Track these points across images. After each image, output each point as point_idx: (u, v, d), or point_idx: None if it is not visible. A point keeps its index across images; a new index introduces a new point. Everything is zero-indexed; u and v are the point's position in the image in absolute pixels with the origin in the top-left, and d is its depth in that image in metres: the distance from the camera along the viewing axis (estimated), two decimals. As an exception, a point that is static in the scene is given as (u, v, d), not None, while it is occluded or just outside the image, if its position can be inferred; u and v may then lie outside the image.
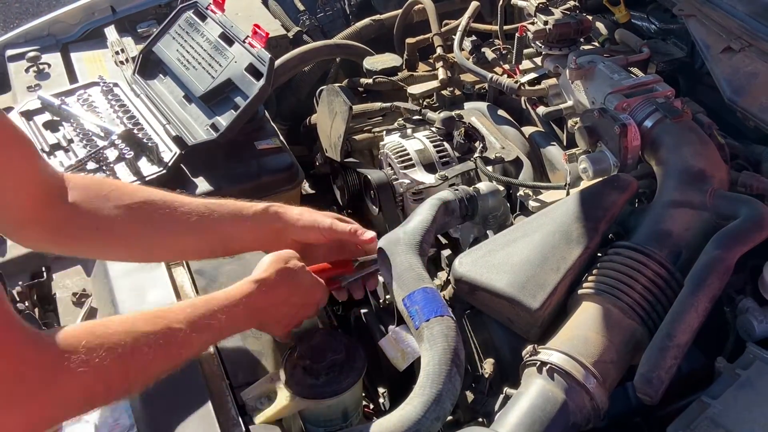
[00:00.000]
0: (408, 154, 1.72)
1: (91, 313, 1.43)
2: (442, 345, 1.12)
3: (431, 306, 1.16)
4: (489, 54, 2.05)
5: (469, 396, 1.38)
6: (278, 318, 1.19)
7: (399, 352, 1.27)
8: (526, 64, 1.95)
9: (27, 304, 1.42)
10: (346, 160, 1.90)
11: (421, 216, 1.32)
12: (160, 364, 1.03)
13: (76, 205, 1.18)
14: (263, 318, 1.17)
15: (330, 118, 1.89)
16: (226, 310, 1.09)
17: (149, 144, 1.71)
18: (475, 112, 1.86)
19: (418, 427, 1.04)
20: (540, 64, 1.91)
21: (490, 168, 1.64)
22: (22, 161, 1.12)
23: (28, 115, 1.84)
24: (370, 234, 1.29)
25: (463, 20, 2.09)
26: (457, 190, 1.45)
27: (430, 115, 1.82)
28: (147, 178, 1.64)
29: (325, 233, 1.28)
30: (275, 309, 1.17)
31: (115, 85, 1.96)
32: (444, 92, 1.98)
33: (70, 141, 1.76)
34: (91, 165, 1.67)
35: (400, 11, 2.34)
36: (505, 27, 2.09)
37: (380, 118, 1.97)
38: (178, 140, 1.75)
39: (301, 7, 2.57)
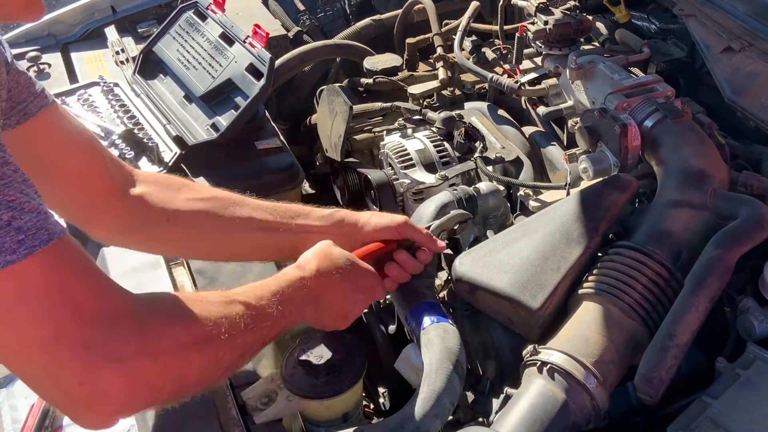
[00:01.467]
0: (408, 154, 1.72)
1: (92, 313, 1.42)
2: (438, 347, 1.13)
3: (430, 316, 1.19)
4: (489, 54, 2.05)
5: (470, 396, 1.38)
6: (333, 304, 1.13)
7: (413, 370, 1.27)
8: (526, 64, 1.95)
9: (27, 304, 1.42)
10: (346, 159, 1.90)
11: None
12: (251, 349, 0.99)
13: (147, 195, 1.18)
14: (318, 305, 1.10)
15: (330, 118, 1.89)
16: (279, 296, 1.03)
17: (150, 144, 1.71)
18: (475, 112, 1.86)
19: (417, 425, 1.04)
20: (540, 64, 1.91)
21: (490, 168, 1.64)
22: (89, 151, 1.14)
23: (29, 115, 1.84)
24: (441, 243, 1.30)
25: (464, 20, 2.09)
26: (455, 190, 1.46)
27: (431, 115, 1.82)
28: (147, 178, 1.64)
29: (400, 230, 1.26)
30: (329, 294, 1.11)
31: (116, 85, 1.96)
32: (444, 92, 1.98)
33: (71, 141, 1.75)
34: (91, 165, 1.67)
35: (400, 11, 2.35)
36: (506, 27, 2.09)
37: (380, 118, 1.97)
38: (179, 140, 1.75)
39: (302, 7, 2.57)
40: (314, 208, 1.28)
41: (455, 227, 1.40)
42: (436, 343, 1.14)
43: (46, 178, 1.08)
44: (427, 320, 1.19)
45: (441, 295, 1.49)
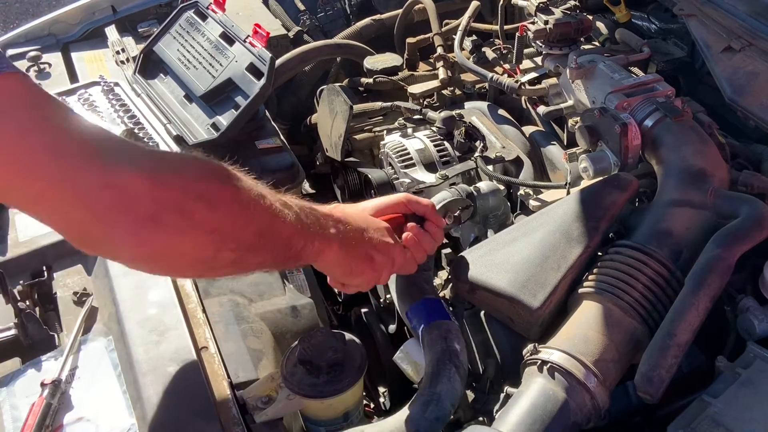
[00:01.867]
0: (408, 154, 1.72)
1: (92, 313, 1.43)
2: (440, 346, 1.13)
3: (431, 313, 1.19)
4: (489, 53, 2.05)
5: (470, 395, 1.38)
6: (369, 271, 1.13)
7: (412, 366, 1.27)
8: (526, 63, 1.95)
9: (28, 303, 1.42)
10: (346, 159, 1.90)
11: None
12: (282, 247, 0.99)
13: None
14: (358, 265, 1.11)
15: (330, 118, 1.89)
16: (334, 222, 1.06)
17: (150, 143, 1.71)
18: (475, 112, 1.86)
19: (417, 427, 1.04)
20: (540, 63, 1.91)
21: (490, 167, 1.64)
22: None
23: (29, 114, 1.84)
24: (444, 219, 1.31)
25: (464, 20, 2.09)
26: (454, 188, 1.46)
27: (431, 114, 1.82)
28: (148, 178, 1.64)
29: (405, 203, 1.24)
30: (361, 245, 1.11)
31: (116, 84, 1.96)
32: (444, 92, 1.98)
33: (71, 140, 1.76)
34: (91, 164, 1.67)
35: (400, 11, 2.34)
36: (506, 27, 2.09)
37: (381, 117, 1.97)
38: (179, 140, 1.75)
39: (302, 7, 2.57)
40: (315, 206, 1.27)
41: (457, 213, 1.41)
42: (439, 343, 1.14)
43: None
44: (429, 318, 1.19)
45: (441, 294, 1.49)
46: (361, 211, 1.18)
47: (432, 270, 1.34)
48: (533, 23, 1.85)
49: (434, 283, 1.35)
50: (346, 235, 1.10)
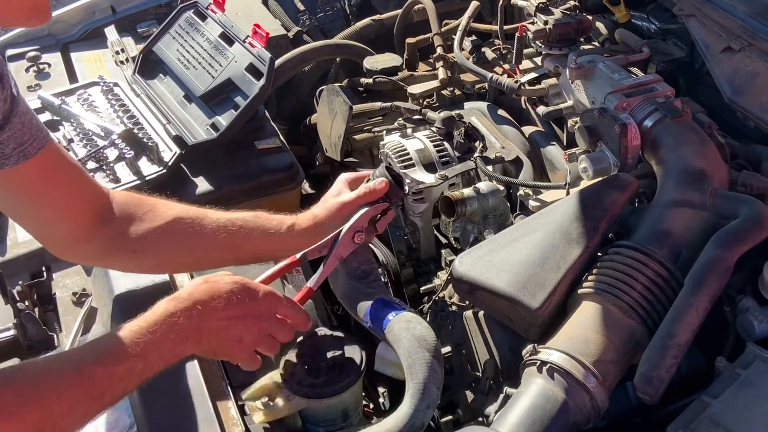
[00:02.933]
0: (408, 154, 1.72)
1: (91, 313, 1.43)
2: (406, 338, 1.12)
3: (383, 311, 1.18)
4: (489, 54, 2.05)
5: (469, 395, 1.38)
6: (219, 332, 1.04)
7: (394, 368, 1.27)
8: (526, 63, 1.95)
9: (27, 303, 1.42)
10: (346, 159, 1.90)
11: None
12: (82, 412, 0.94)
13: (117, 226, 1.21)
14: (200, 337, 1.03)
15: (330, 118, 1.89)
16: (144, 337, 0.97)
17: (149, 144, 1.71)
18: (475, 112, 1.86)
19: (413, 421, 1.05)
20: (540, 63, 1.91)
21: (490, 168, 1.64)
22: (75, 187, 1.17)
23: (28, 114, 1.84)
24: (379, 181, 1.29)
25: (463, 20, 2.09)
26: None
27: (430, 114, 1.82)
28: (147, 178, 1.64)
29: (361, 199, 1.28)
30: (210, 322, 1.03)
31: (115, 84, 1.96)
32: (444, 92, 1.98)
33: (71, 141, 1.76)
34: (91, 164, 1.67)
35: (400, 11, 2.34)
36: (505, 27, 2.09)
37: (380, 117, 1.97)
38: (178, 140, 1.75)
39: (301, 7, 2.57)
40: (272, 220, 1.28)
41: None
42: (404, 335, 1.13)
43: (32, 211, 1.14)
44: (385, 317, 1.17)
45: (441, 294, 1.49)
46: (231, 286, 1.08)
47: (373, 273, 1.28)
48: (533, 23, 1.85)
49: (379, 277, 1.32)
50: (200, 337, 1.04)
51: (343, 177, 1.34)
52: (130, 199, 1.25)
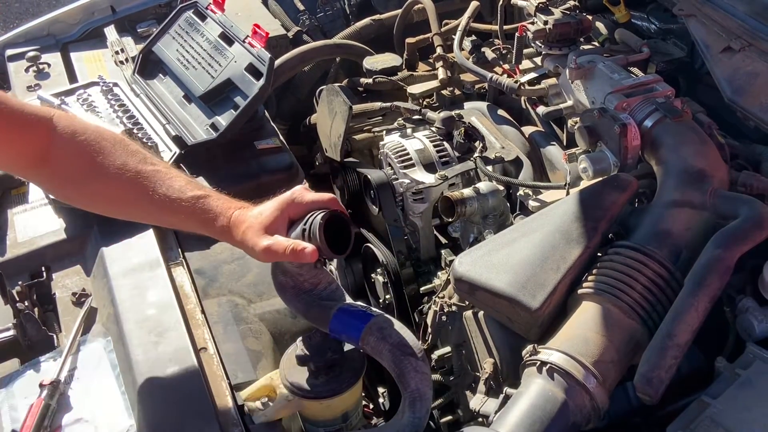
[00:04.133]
0: (408, 154, 1.72)
1: (91, 313, 1.43)
2: (386, 350, 1.09)
3: (351, 324, 1.13)
4: (489, 54, 2.05)
5: (469, 396, 1.38)
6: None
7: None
8: (526, 63, 1.95)
9: (27, 303, 1.42)
10: (345, 159, 1.90)
11: None
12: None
13: (52, 167, 1.20)
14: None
15: (330, 118, 1.89)
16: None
17: (149, 144, 1.71)
18: (475, 112, 1.86)
19: (416, 428, 1.05)
20: (540, 63, 1.91)
21: (490, 168, 1.64)
22: (19, 123, 1.17)
23: (28, 114, 1.84)
24: (310, 249, 1.09)
25: (463, 20, 2.09)
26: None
27: (430, 114, 1.82)
28: (147, 178, 1.63)
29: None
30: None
31: (115, 84, 1.96)
32: (444, 92, 1.98)
33: (70, 141, 1.75)
34: (90, 165, 1.67)
35: (400, 11, 2.34)
36: (505, 27, 2.09)
37: (380, 117, 1.97)
38: (178, 140, 1.75)
39: (301, 7, 2.57)
40: (214, 217, 1.18)
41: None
42: (382, 347, 1.10)
43: None
44: (355, 330, 1.11)
45: (441, 294, 1.49)
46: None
47: (322, 283, 1.18)
48: (533, 23, 1.85)
49: (333, 283, 1.20)
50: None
51: (289, 197, 1.16)
52: (87, 135, 1.21)
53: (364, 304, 1.18)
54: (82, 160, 1.18)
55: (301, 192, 1.16)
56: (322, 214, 1.11)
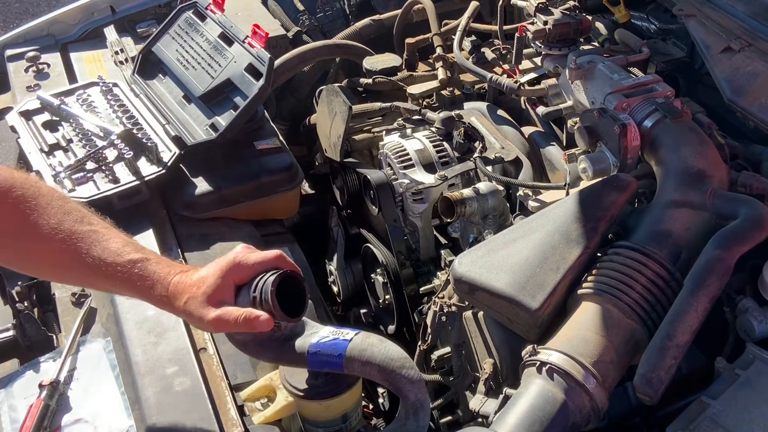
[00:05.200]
0: (407, 154, 1.72)
1: (91, 314, 1.43)
2: (375, 369, 1.07)
3: (331, 359, 1.07)
4: (489, 54, 2.05)
5: (469, 396, 1.38)
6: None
7: None
8: (525, 64, 1.95)
9: (26, 304, 1.42)
10: (345, 160, 1.90)
11: None
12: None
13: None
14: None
15: (329, 118, 1.89)
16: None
17: (148, 144, 1.71)
18: (474, 112, 1.85)
19: None
20: (540, 64, 1.91)
21: (489, 168, 1.64)
22: None
23: (27, 115, 1.84)
24: (264, 318, 1.05)
25: (463, 20, 2.09)
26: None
27: (430, 115, 1.82)
28: (146, 178, 1.63)
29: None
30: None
31: (115, 85, 1.96)
32: (444, 92, 1.98)
33: (70, 141, 1.75)
34: (90, 165, 1.67)
35: (399, 11, 2.34)
36: (505, 27, 2.09)
37: (380, 118, 1.97)
38: (178, 140, 1.75)
39: (301, 7, 2.57)
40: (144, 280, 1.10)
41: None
42: (370, 370, 1.06)
43: None
44: (335, 362, 1.07)
45: (441, 295, 1.49)
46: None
47: (282, 331, 1.11)
48: (532, 23, 1.85)
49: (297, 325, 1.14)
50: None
51: (231, 261, 1.09)
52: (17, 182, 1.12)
53: (333, 328, 1.11)
54: (15, 217, 1.09)
55: (245, 254, 1.09)
56: (272, 277, 1.05)
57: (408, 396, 1.07)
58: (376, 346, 1.07)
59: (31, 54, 2.17)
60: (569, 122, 1.75)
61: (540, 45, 1.85)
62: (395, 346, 1.08)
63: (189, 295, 1.06)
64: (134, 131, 1.75)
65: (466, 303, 1.39)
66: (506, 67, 1.99)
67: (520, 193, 1.58)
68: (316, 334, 1.10)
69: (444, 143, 1.75)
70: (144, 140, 1.73)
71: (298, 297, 1.08)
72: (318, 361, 1.08)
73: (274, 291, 1.04)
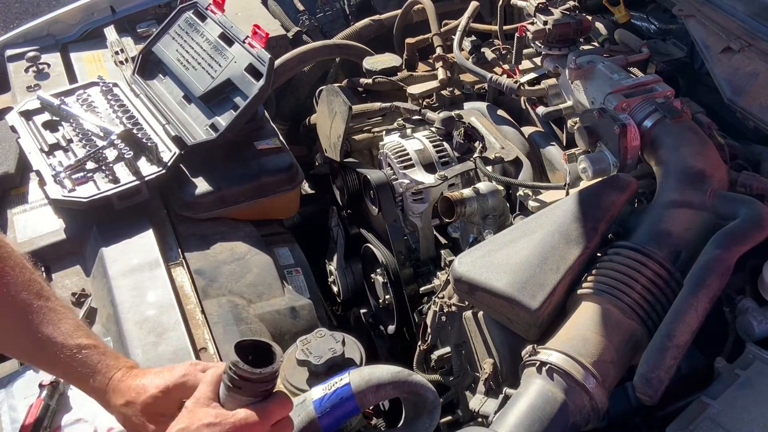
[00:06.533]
0: (407, 154, 1.72)
1: (91, 313, 1.43)
2: (390, 390, 1.06)
3: (342, 412, 1.05)
4: (489, 54, 2.05)
5: (469, 396, 1.38)
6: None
7: None
8: (525, 64, 1.95)
9: (26, 304, 1.41)
10: (345, 160, 1.90)
11: None
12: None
13: None
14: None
15: (329, 118, 1.89)
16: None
17: (148, 144, 1.71)
18: (474, 112, 1.85)
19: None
20: (540, 64, 1.91)
21: (489, 168, 1.64)
22: None
23: (28, 115, 1.84)
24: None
25: (463, 20, 2.09)
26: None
27: (430, 115, 1.82)
28: (146, 178, 1.64)
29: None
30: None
31: (115, 85, 1.96)
32: (443, 92, 1.98)
33: (70, 141, 1.75)
34: (90, 165, 1.67)
35: (399, 11, 2.34)
36: (505, 27, 2.09)
37: (380, 118, 1.97)
38: (178, 140, 1.75)
39: (301, 7, 2.57)
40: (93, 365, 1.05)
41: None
42: (383, 392, 1.06)
43: None
44: (349, 411, 1.05)
45: (441, 295, 1.49)
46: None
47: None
48: (532, 24, 1.85)
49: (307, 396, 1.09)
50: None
51: (180, 380, 1.01)
52: None
53: (315, 388, 1.08)
54: None
55: (194, 375, 1.01)
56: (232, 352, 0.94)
57: (427, 397, 1.08)
58: (374, 371, 1.07)
59: (31, 54, 2.17)
60: (569, 122, 1.75)
61: (540, 45, 1.85)
62: (390, 366, 1.07)
63: (128, 399, 1.02)
64: (134, 131, 1.75)
65: (466, 303, 1.39)
66: (506, 67, 1.99)
67: (520, 193, 1.58)
68: (308, 399, 1.06)
69: (444, 143, 1.75)
70: (144, 140, 1.73)
71: (266, 355, 0.96)
72: (333, 417, 1.05)
73: (236, 353, 0.93)
